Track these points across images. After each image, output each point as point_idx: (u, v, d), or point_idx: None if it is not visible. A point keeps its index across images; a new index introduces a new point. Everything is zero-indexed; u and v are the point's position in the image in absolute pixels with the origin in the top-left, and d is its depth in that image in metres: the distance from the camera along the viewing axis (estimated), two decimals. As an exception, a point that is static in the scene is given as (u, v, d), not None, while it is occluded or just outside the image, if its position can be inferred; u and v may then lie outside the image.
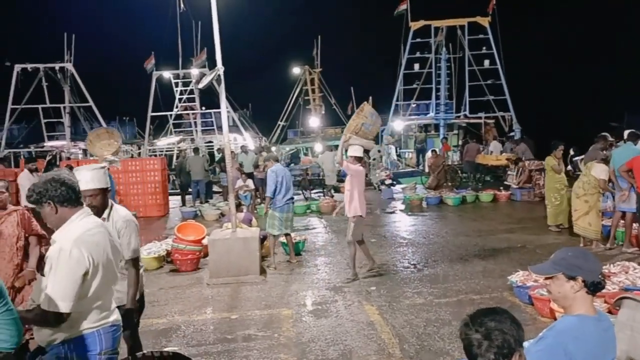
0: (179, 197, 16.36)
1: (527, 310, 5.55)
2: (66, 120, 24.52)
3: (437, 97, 24.65)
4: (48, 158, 21.51)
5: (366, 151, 22.37)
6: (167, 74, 24.23)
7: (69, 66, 23.27)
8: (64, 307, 2.37)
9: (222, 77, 7.70)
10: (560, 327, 2.24)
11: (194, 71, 23.71)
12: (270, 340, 5.09)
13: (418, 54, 25.09)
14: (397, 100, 25.17)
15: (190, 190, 16.17)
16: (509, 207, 13.45)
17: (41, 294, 2.45)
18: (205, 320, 5.76)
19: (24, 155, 24.10)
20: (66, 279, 2.40)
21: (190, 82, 24.05)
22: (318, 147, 20.21)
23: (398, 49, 25.25)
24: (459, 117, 24.99)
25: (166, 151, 25.11)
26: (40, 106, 23.70)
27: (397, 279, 7.13)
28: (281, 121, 28.23)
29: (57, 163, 21.08)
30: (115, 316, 2.70)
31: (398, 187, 17.22)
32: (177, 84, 24.50)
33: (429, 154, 18.77)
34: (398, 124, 24.69)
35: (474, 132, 23.43)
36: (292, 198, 8.19)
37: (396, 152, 24.40)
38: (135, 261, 3.52)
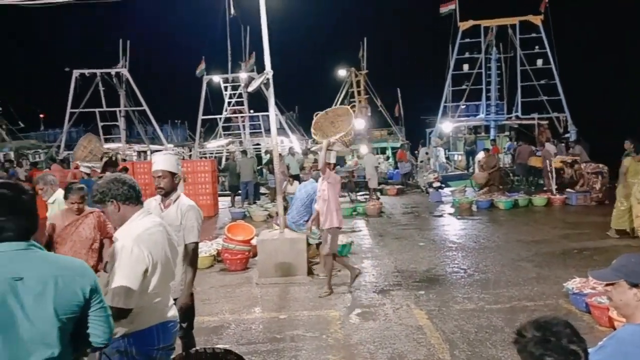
0: (229, 198, 16.69)
1: (584, 319, 5.33)
2: (121, 123, 25.49)
3: (488, 98, 24.10)
4: (105, 160, 22.47)
5: (413, 154, 22.05)
6: (216, 78, 24.81)
7: (124, 71, 24.21)
8: (126, 302, 2.47)
9: (270, 80, 7.82)
10: (621, 336, 2.14)
11: (243, 75, 24.15)
12: (318, 341, 5.11)
13: (467, 55, 24.65)
14: (446, 102, 24.78)
15: (239, 191, 16.49)
16: (564, 212, 12.96)
17: (104, 290, 2.56)
18: (255, 319, 5.85)
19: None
20: (128, 276, 2.50)
21: (239, 85, 24.51)
22: (363, 149, 20.15)
23: (446, 50, 24.90)
24: (510, 118, 24.33)
25: (216, 153, 25.69)
26: (97, 110, 24.75)
27: (446, 283, 7.01)
28: (327, 124, 28.30)
29: (117, 164, 21.97)
30: (173, 312, 2.78)
31: (446, 190, 16.94)
32: (226, 88, 25.02)
33: (480, 153, 18.31)
34: (447, 126, 24.28)
35: (526, 134, 22.74)
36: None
37: (445, 154, 24.00)
38: (195, 246, 3.71)
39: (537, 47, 24.15)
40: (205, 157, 24.04)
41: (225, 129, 27.18)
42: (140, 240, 2.58)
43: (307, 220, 7.66)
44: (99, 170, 13.05)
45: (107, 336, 2.06)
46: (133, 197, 2.72)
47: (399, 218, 13.08)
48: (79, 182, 4.79)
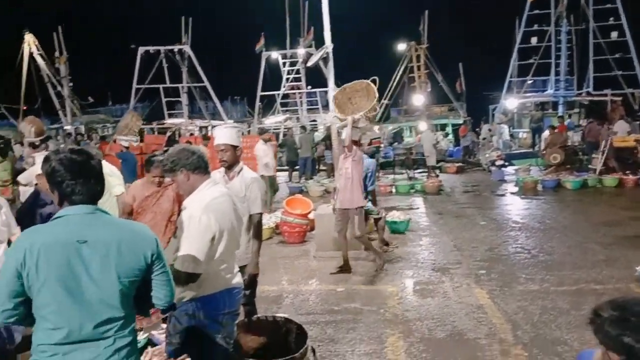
0: (286, 173, 16.89)
1: (659, 305, 5.03)
2: (184, 99, 26.23)
3: (557, 73, 22.95)
4: (168, 134, 23.25)
5: (474, 131, 21.40)
6: (275, 54, 24.92)
7: (187, 48, 24.78)
8: (194, 268, 2.55)
9: (330, 55, 7.76)
10: None
11: (301, 51, 24.13)
12: (376, 315, 5.12)
13: (536, 27, 23.41)
14: (511, 77, 23.76)
15: (296, 166, 16.64)
16: (637, 193, 12.22)
17: (174, 255, 2.65)
18: (312, 291, 5.93)
19: (147, 131, 26.28)
20: (196, 243, 2.57)
21: (297, 61, 24.53)
22: (422, 125, 19.70)
23: (512, 23, 23.76)
24: (580, 94, 23.04)
25: (273, 129, 25.98)
26: (161, 86, 25.56)
27: (508, 263, 6.81)
28: (384, 99, 27.89)
29: (177, 139, 22.71)
30: (238, 279, 2.85)
31: (510, 169, 16.36)
32: (284, 64, 25.12)
33: (546, 132, 17.46)
34: (511, 102, 23.29)
35: (597, 111, 21.49)
36: None
37: (509, 131, 23.13)
38: (260, 217, 3.82)
39: (611, 18, 22.61)
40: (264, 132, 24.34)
41: (283, 105, 27.38)
42: (208, 209, 2.64)
43: (364, 198, 7.61)
44: (135, 144, 13.43)
45: (169, 299, 2.12)
46: (202, 167, 2.79)
47: (458, 196, 12.79)
48: (159, 155, 4.81)
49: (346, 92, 7.11)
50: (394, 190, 13.62)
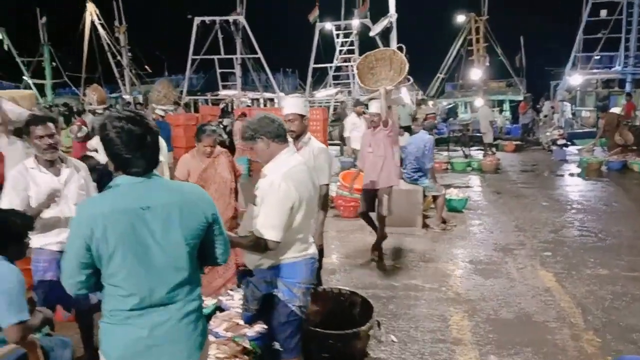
0: (338, 147, 16.80)
1: None
2: (237, 70, 26.35)
3: (627, 49, 21.50)
4: (222, 106, 23.57)
5: (534, 108, 20.46)
6: (329, 26, 24.54)
7: (241, 19, 24.75)
8: (274, 235, 2.55)
9: (394, 24, 7.54)
10: None
11: (355, 22, 23.66)
12: (438, 292, 5.05)
13: (606, -1, 21.96)
14: (577, 52, 22.51)
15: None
16: None
17: (252, 222, 2.66)
18: (372, 266, 5.90)
19: (201, 102, 26.74)
20: (276, 210, 2.57)
21: (351, 33, 24.10)
22: (479, 101, 19.02)
23: (580, -7, 22.35)
24: (651, 71, 21.60)
25: (325, 103, 25.79)
26: (215, 57, 25.73)
27: (574, 246, 6.54)
28: (440, 73, 27.11)
29: (231, 110, 23.00)
30: (313, 250, 2.84)
31: (572, 149, 15.65)
32: (338, 35, 24.71)
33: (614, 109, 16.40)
34: (575, 79, 22.09)
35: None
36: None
37: (571, 109, 22.04)
38: (327, 188, 3.88)
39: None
40: (314, 106, 24.29)
41: (334, 77, 27.07)
42: (287, 177, 2.63)
43: (421, 176, 7.46)
44: (171, 113, 13.44)
45: (226, 257, 2.15)
46: (282, 135, 2.77)
47: (517, 176, 12.37)
48: (210, 125, 4.80)
49: (367, 61, 6.61)
50: (449, 167, 13.32)
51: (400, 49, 6.52)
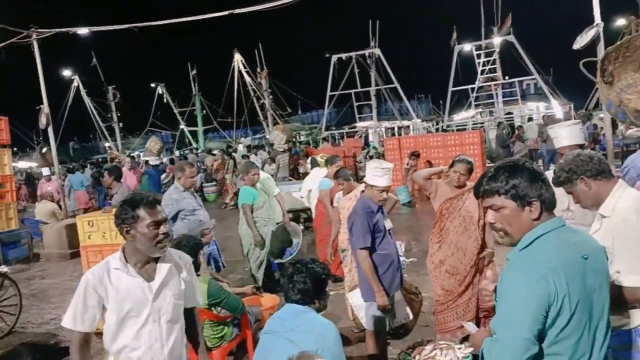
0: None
1: None
2: (373, 101, 26.54)
3: None
4: (356, 137, 23.77)
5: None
6: (468, 46, 23.83)
7: (377, 51, 24.99)
8: None
9: (601, 34, 6.79)
10: None
11: (497, 40, 22.72)
12: None
13: None
14: None
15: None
16: None
17: (614, 269, 2.20)
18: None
19: (337, 137, 27.20)
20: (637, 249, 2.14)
21: (494, 51, 23.11)
22: None
23: None
24: None
25: (462, 126, 24.78)
26: (352, 91, 26.22)
27: None
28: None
29: (369, 142, 23.02)
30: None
31: None
32: (479, 56, 23.84)
33: None
34: None
35: None
36: None
37: None
38: None
39: None
40: (451, 130, 23.38)
41: (475, 99, 26.07)
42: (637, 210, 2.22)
43: None
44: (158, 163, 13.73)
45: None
46: (605, 171, 2.38)
47: None
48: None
49: (613, 55, 5.65)
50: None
51: None
